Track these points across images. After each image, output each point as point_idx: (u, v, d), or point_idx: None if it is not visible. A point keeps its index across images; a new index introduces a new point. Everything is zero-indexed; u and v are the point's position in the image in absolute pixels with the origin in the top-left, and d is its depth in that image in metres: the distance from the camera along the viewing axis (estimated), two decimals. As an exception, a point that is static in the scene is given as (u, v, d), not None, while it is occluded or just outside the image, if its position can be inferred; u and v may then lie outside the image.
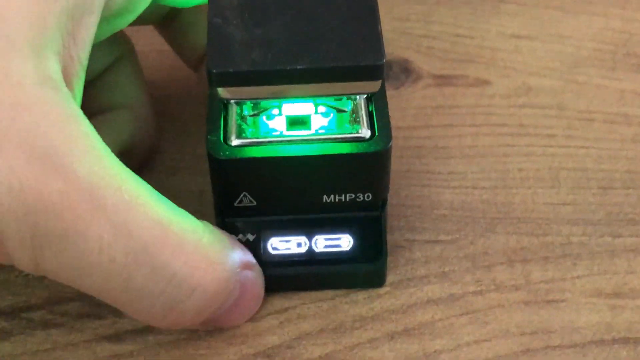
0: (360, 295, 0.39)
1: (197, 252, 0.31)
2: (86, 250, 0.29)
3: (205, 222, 0.33)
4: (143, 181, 0.32)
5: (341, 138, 0.34)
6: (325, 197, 0.35)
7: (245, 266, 0.34)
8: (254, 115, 0.36)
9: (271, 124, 0.36)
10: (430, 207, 0.42)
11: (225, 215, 0.36)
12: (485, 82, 0.49)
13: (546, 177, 0.44)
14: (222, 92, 0.34)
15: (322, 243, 0.38)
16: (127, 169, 0.31)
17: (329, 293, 0.39)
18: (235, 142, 0.34)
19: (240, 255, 0.34)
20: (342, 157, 0.34)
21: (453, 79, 0.49)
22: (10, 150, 0.28)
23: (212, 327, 0.36)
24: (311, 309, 0.40)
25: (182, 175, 0.44)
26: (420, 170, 0.44)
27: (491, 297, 0.39)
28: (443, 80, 0.49)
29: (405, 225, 0.42)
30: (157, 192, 0.31)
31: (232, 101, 0.36)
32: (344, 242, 0.38)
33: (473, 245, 0.41)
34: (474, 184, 0.44)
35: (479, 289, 0.39)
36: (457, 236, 0.42)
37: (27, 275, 0.41)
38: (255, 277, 0.35)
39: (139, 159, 0.41)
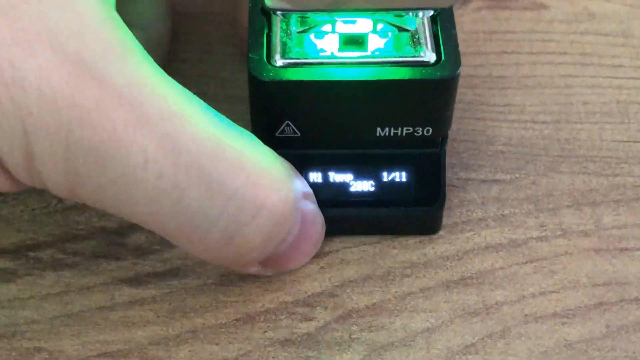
0: (411, 240, 0.36)
1: (259, 169, 0.27)
2: (128, 166, 0.25)
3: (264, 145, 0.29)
4: (190, 93, 0.27)
5: (402, 62, 0.30)
6: (379, 129, 0.32)
7: (306, 195, 0.31)
8: (301, 32, 0.31)
9: (321, 43, 0.31)
10: (485, 143, 0.39)
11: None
12: (542, 6, 0.44)
13: (614, 112, 0.40)
14: (267, -2, 0.29)
15: (372, 183, 0.34)
16: (172, 80, 0.27)
17: (375, 237, 0.36)
18: (279, 62, 0.30)
19: (301, 184, 0.30)
20: (402, 83, 0.30)
21: (507, 1, 0.44)
22: (41, 50, 0.24)
23: (270, 272, 0.33)
24: (355, 254, 0.36)
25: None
26: (474, 102, 0.40)
27: (557, 243, 0.36)
28: (496, 2, 0.44)
29: (458, 163, 0.38)
30: (207, 105, 0.27)
31: (277, 13, 0.31)
32: (397, 182, 0.34)
33: (535, 185, 0.37)
34: (533, 117, 0.40)
35: (543, 234, 0.36)
36: (517, 175, 0.38)
37: (34, 209, 0.36)
38: (316, 210, 0.32)
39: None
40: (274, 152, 0.30)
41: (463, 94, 0.41)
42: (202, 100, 0.27)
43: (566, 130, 0.39)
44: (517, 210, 0.37)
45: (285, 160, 0.30)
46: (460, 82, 0.39)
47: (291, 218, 0.29)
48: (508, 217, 0.36)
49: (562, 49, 0.42)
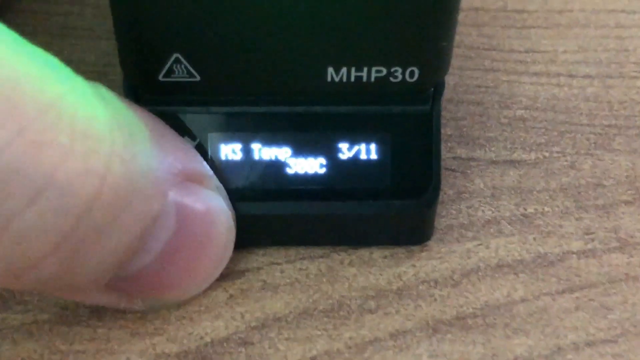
0: (377, 252, 0.24)
1: (46, 113, 0.17)
2: None
3: (94, 83, 0.20)
4: None
5: None
6: (331, 71, 0.22)
7: (189, 176, 0.21)
8: None
9: None
10: (497, 106, 0.27)
11: (142, 100, 0.23)
12: None
13: (691, 62, 0.27)
14: None
15: (320, 161, 0.23)
16: None
17: (321, 248, 0.24)
18: None
19: (175, 153, 0.21)
20: None
21: None
22: None
23: (139, 305, 0.22)
24: (286, 274, 0.24)
25: (73, 35, 0.29)
26: (480, 46, 0.29)
27: (612, 261, 0.24)
28: None
29: (455, 135, 0.27)
30: None
31: None
32: (362, 160, 0.23)
33: (574, 170, 0.26)
34: (569, 69, 0.28)
35: (589, 246, 0.24)
36: (546, 154, 0.26)
37: None
38: (215, 204, 0.21)
39: None
40: (117, 100, 0.20)
41: (465, 34, 0.29)
42: None
43: (620, 88, 0.28)
44: (547, 209, 0.25)
45: (152, 117, 0.21)
46: (461, 16, 0.28)
47: (134, 209, 0.19)
48: (533, 218, 0.25)
49: None
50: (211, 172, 0.21)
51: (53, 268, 0.18)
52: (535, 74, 0.28)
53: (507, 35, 0.29)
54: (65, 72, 0.18)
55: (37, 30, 0.28)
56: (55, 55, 0.27)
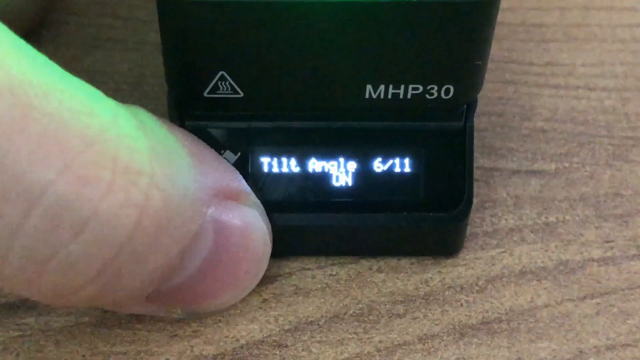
0: (405, 259, 0.25)
1: (89, 148, 0.18)
2: None
3: (131, 106, 0.20)
4: None
5: None
6: (369, 88, 0.22)
7: (227, 194, 0.21)
8: None
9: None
10: (519, 117, 0.28)
11: (187, 114, 0.23)
12: None
13: None
14: None
15: (356, 175, 0.24)
16: None
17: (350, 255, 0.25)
18: None
19: (213, 173, 0.21)
20: (411, 7, 0.20)
21: None
22: None
23: (179, 314, 0.22)
24: (318, 280, 0.24)
25: (106, 47, 0.29)
26: (502, 59, 0.30)
27: (632, 268, 0.25)
28: None
29: (479, 145, 0.27)
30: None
31: None
32: (397, 174, 0.24)
33: (594, 180, 0.26)
34: (588, 82, 0.29)
35: (609, 254, 0.25)
36: (566, 165, 0.27)
37: None
38: (252, 219, 0.22)
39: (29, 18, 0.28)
40: (154, 121, 0.20)
41: None
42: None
43: (637, 100, 0.29)
44: (568, 217, 0.26)
45: (190, 137, 0.21)
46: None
47: (174, 233, 0.19)
48: (555, 227, 0.25)
49: None
50: (249, 189, 0.22)
51: (95, 292, 0.19)
52: (555, 86, 0.29)
53: (527, 49, 0.30)
54: (107, 103, 0.19)
55: (70, 42, 0.29)
56: (88, 66, 0.28)
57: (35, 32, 0.29)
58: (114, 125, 0.18)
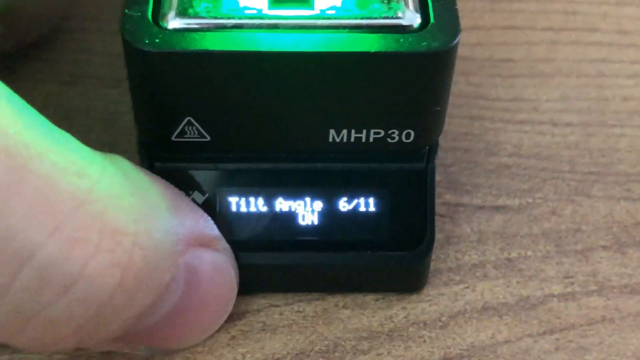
0: (370, 296, 0.25)
1: (78, 210, 0.18)
2: None
3: (114, 156, 0.21)
4: None
5: (368, 25, 0.22)
6: (332, 133, 0.23)
7: (200, 241, 0.22)
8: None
9: (243, -5, 0.22)
10: (484, 153, 0.29)
11: (156, 157, 0.24)
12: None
13: (667, 111, 0.29)
14: None
15: (320, 214, 0.24)
16: None
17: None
18: (174, 22, 0.21)
19: (188, 222, 0.22)
20: (369, 59, 0.21)
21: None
22: None
23: (143, 351, 0.23)
24: (285, 317, 0.25)
25: (82, 82, 0.30)
26: (468, 94, 0.31)
27: (591, 304, 0.25)
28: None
29: (444, 180, 0.28)
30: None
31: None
32: (360, 213, 0.24)
33: (556, 216, 0.27)
34: (552, 118, 0.30)
35: (569, 290, 0.25)
36: (529, 200, 0.28)
37: None
38: (221, 262, 0.23)
39: (14, 40, 0.29)
40: (133, 169, 0.21)
41: (454, 82, 0.29)
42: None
43: (600, 136, 0.29)
44: (529, 253, 0.26)
45: (163, 183, 0.22)
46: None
47: (148, 286, 0.20)
48: (516, 262, 0.26)
49: (591, 23, 0.33)
50: (219, 235, 0.23)
51: (72, 343, 0.20)
52: (520, 122, 0.29)
53: (494, 84, 0.30)
54: (95, 159, 0.19)
55: (46, 78, 0.30)
56: (64, 103, 0.29)
57: (11, 69, 0.29)
58: (102, 183, 0.18)
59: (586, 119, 0.29)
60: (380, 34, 0.21)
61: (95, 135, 0.28)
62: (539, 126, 0.29)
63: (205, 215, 0.22)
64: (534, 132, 0.29)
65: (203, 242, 0.22)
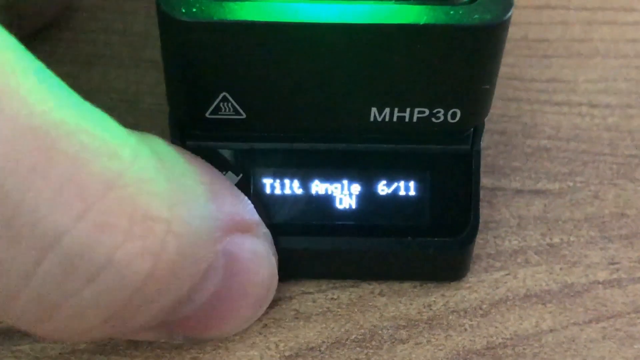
0: (407, 283, 0.24)
1: (108, 194, 0.17)
2: None
3: (150, 137, 0.20)
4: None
5: None
6: (374, 111, 0.22)
7: (239, 228, 0.21)
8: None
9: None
10: (521, 135, 0.28)
11: (188, 134, 0.23)
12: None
13: None
14: None
15: (360, 198, 0.23)
16: None
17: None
18: None
19: (226, 208, 0.21)
20: (415, 32, 0.20)
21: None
22: None
23: (180, 340, 0.22)
24: (319, 304, 0.24)
25: (101, 64, 0.29)
26: (503, 76, 0.28)
27: (635, 291, 0.24)
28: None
29: (481, 164, 0.25)
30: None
31: None
32: (402, 197, 0.23)
33: (599, 200, 0.26)
34: (591, 99, 0.29)
35: (614, 276, 0.24)
36: (570, 184, 0.26)
37: None
38: (262, 250, 0.22)
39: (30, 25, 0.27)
40: (169, 149, 0.20)
41: None
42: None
43: None
44: (572, 238, 0.25)
45: (202, 163, 0.21)
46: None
47: (184, 272, 0.19)
48: (559, 248, 0.25)
49: (628, 3, 0.32)
50: (259, 220, 0.21)
51: (102, 334, 0.19)
52: (557, 103, 0.28)
53: (529, 65, 0.29)
54: (128, 140, 0.18)
55: (65, 59, 0.29)
56: (83, 84, 0.28)
57: (29, 48, 0.28)
58: (135, 167, 0.17)
59: (626, 101, 0.28)
60: (429, 6, 0.20)
61: (116, 117, 0.26)
62: (577, 108, 0.28)
63: (245, 198, 0.21)
64: (572, 113, 0.28)
65: (242, 228, 0.20)
